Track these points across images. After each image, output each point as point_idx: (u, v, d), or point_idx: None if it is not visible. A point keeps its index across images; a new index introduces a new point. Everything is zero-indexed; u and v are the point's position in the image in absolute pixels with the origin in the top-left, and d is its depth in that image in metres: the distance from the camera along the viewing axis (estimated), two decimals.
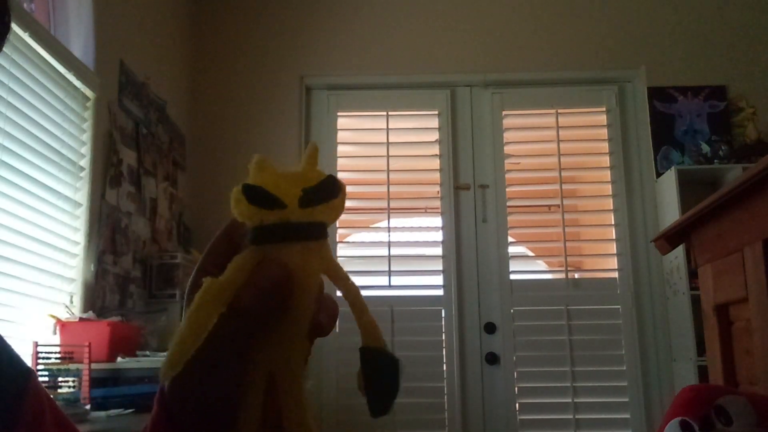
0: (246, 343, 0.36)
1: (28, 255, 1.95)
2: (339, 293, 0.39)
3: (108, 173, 2.38)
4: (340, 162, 3.31)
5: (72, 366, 1.77)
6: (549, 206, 3.37)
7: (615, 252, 3.20)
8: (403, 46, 3.39)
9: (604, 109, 3.34)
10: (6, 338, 0.48)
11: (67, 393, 1.72)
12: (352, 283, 0.38)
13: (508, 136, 3.31)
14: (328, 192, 0.37)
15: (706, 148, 3.09)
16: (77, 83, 2.22)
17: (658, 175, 3.15)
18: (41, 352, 1.74)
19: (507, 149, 3.30)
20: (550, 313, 3.12)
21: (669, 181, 3.00)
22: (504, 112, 3.34)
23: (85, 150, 2.28)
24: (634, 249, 3.19)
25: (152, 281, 2.67)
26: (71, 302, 2.15)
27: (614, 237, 3.21)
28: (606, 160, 3.28)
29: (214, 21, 3.45)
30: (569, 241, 3.21)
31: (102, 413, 1.71)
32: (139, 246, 2.62)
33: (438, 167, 3.28)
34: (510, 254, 3.22)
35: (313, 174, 0.37)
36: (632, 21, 3.37)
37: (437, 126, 3.33)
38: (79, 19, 2.33)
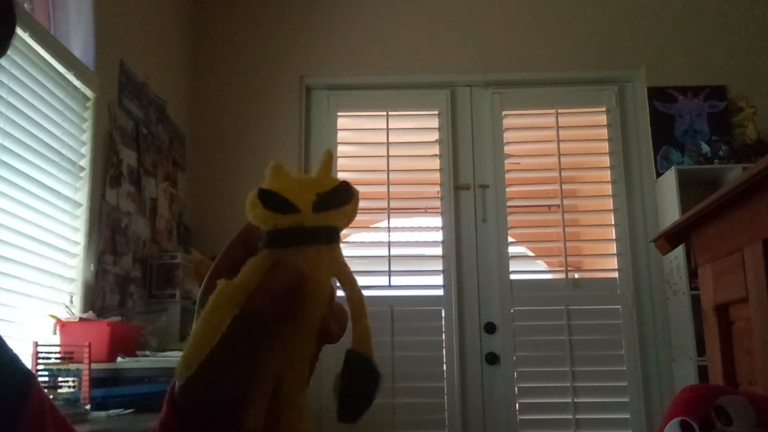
0: (258, 346, 0.37)
1: (28, 255, 1.95)
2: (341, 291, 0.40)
3: (108, 173, 2.38)
4: (340, 162, 3.31)
5: (72, 366, 1.78)
6: (549, 206, 3.37)
7: (615, 252, 3.20)
8: (403, 46, 3.39)
9: (604, 109, 3.34)
10: (6, 338, 0.48)
11: (67, 393, 1.72)
12: (358, 290, 0.39)
13: (508, 136, 3.31)
14: (342, 197, 0.38)
15: (706, 148, 3.09)
16: (77, 83, 2.22)
17: (658, 175, 3.15)
18: (41, 352, 1.74)
19: (507, 149, 3.30)
20: (550, 313, 3.12)
21: (669, 181, 3.00)
22: (504, 112, 3.34)
23: (85, 150, 2.28)
24: (634, 249, 3.19)
25: (152, 281, 2.67)
26: (71, 302, 2.15)
27: (614, 237, 3.21)
28: (606, 160, 3.28)
29: (214, 21, 3.45)
30: (569, 241, 3.21)
31: (102, 413, 1.71)
32: (139, 246, 2.62)
33: (438, 167, 3.28)
34: (510, 254, 3.22)
35: (328, 180, 0.38)
36: (632, 21, 3.37)
37: (437, 126, 3.33)
38: (79, 19, 2.33)
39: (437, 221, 3.27)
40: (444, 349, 3.12)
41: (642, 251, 3.19)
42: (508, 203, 3.25)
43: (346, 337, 0.39)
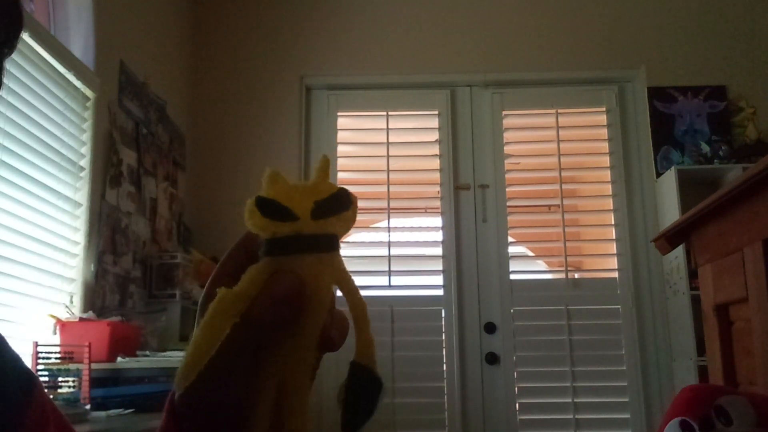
0: (258, 354, 0.37)
1: (28, 255, 1.95)
2: (340, 295, 0.40)
3: (108, 173, 2.38)
4: (340, 162, 3.31)
5: (72, 366, 1.78)
6: (549, 206, 3.37)
7: (615, 252, 3.20)
8: (403, 46, 3.39)
9: (604, 109, 3.34)
10: (6, 338, 0.48)
11: (67, 393, 1.72)
12: (361, 298, 0.39)
13: (508, 136, 3.31)
14: (340, 204, 0.37)
15: (706, 148, 3.09)
16: (77, 83, 2.22)
17: (658, 175, 3.15)
18: (41, 352, 1.74)
19: (507, 149, 3.30)
20: (550, 313, 3.12)
21: (669, 181, 3.00)
22: (504, 112, 3.34)
23: (85, 150, 2.28)
24: (634, 249, 3.19)
25: (152, 281, 2.67)
26: (71, 302, 2.15)
27: (614, 237, 3.21)
28: (606, 160, 3.28)
29: (214, 21, 3.45)
30: (569, 241, 3.21)
31: (102, 413, 1.71)
32: (139, 246, 2.62)
33: (438, 167, 3.28)
34: (510, 254, 3.22)
35: (325, 186, 0.38)
36: (632, 21, 3.37)
37: (437, 126, 3.33)
38: (79, 19, 2.33)
39: (437, 221, 3.27)
40: (444, 349, 3.12)
41: (642, 251, 3.19)
42: (508, 203, 3.25)
43: (347, 346, 0.39)
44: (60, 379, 1.75)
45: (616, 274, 3.19)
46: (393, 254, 3.20)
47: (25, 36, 1.92)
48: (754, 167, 1.27)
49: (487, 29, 3.40)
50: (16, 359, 0.47)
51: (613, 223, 3.22)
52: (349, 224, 0.38)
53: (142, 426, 1.60)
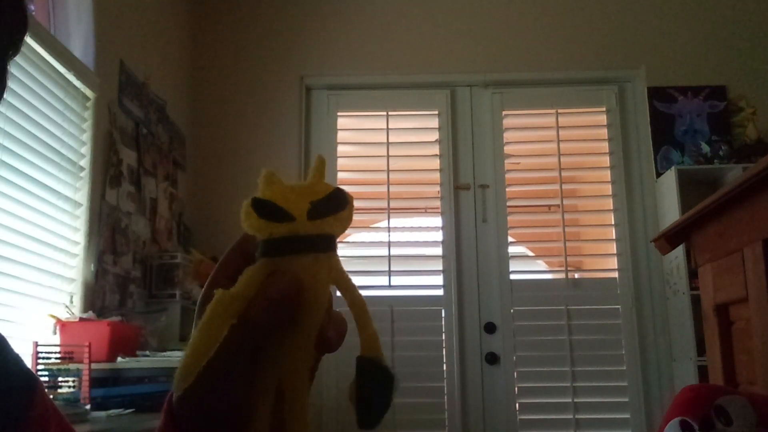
0: (256, 355, 0.36)
1: (28, 255, 1.95)
2: (340, 296, 0.40)
3: (108, 173, 2.38)
4: (340, 162, 3.31)
5: (72, 366, 1.78)
6: (549, 206, 3.37)
7: (615, 252, 3.20)
8: (403, 46, 3.39)
9: (604, 109, 3.34)
10: (7, 339, 0.48)
11: (67, 393, 1.72)
12: (359, 295, 0.39)
13: (508, 136, 3.31)
14: (336, 204, 0.37)
15: (706, 148, 3.09)
16: (77, 83, 2.22)
17: (658, 175, 3.15)
18: (41, 352, 1.74)
19: (507, 149, 3.30)
20: (550, 313, 3.12)
21: (669, 181, 3.00)
22: (504, 112, 3.34)
23: (85, 150, 2.28)
24: (634, 249, 3.19)
25: (152, 281, 2.67)
26: (71, 302, 2.15)
27: (614, 237, 3.21)
28: (606, 160, 3.28)
29: (214, 21, 3.45)
30: (569, 241, 3.21)
31: (102, 413, 1.71)
32: (139, 246, 2.62)
33: (438, 167, 3.28)
34: (510, 254, 3.22)
35: (321, 187, 0.38)
36: (632, 21, 3.37)
37: (437, 126, 3.33)
38: (79, 19, 2.33)
39: (437, 221, 3.27)
40: (444, 349, 3.12)
41: (642, 251, 3.19)
42: (508, 203, 3.25)
43: (347, 347, 0.39)
44: (60, 379, 1.75)
45: (616, 274, 3.18)
46: (393, 254, 3.19)
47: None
48: (754, 167, 1.27)
49: (487, 29, 3.40)
50: (17, 360, 0.47)
51: (613, 223, 3.22)
52: (345, 224, 0.38)
53: (142, 426, 1.60)
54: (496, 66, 3.37)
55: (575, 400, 3.01)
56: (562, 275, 3.21)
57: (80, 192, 2.24)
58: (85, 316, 2.09)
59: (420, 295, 3.23)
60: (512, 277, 3.18)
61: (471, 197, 3.27)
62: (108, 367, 1.95)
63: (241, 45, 3.42)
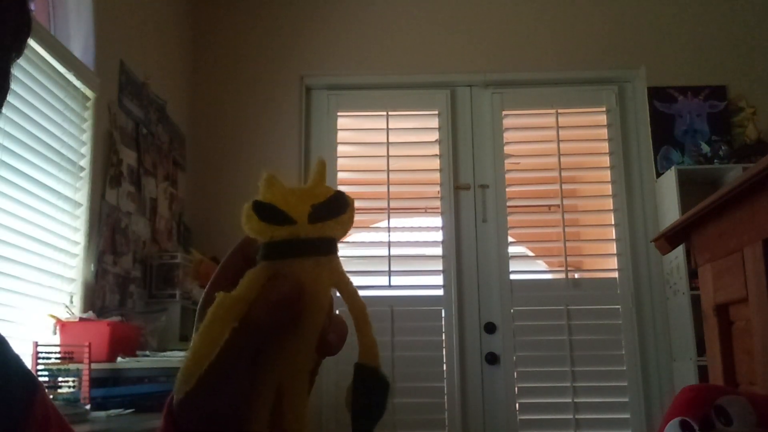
0: (257, 358, 0.36)
1: (28, 255, 1.95)
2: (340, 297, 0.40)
3: (108, 173, 2.38)
4: (340, 162, 3.31)
5: (72, 366, 1.78)
6: (549, 206, 3.37)
7: (615, 252, 3.20)
8: (403, 46, 3.39)
9: (604, 109, 3.34)
10: (7, 339, 0.48)
11: (67, 393, 1.72)
12: (360, 300, 0.39)
13: (508, 136, 3.31)
14: (337, 208, 0.38)
15: (706, 148, 3.09)
16: (77, 83, 2.22)
17: (658, 175, 3.15)
18: (41, 352, 1.74)
19: (507, 149, 3.30)
20: (550, 313, 3.12)
21: (669, 181, 3.00)
22: (504, 112, 3.34)
23: (85, 150, 2.28)
24: (634, 249, 3.19)
25: (152, 281, 2.67)
26: (71, 302, 2.15)
27: (614, 237, 3.21)
28: (606, 160, 3.28)
29: (214, 21, 3.45)
30: (569, 241, 3.21)
31: (102, 413, 1.71)
32: (139, 246, 2.62)
33: (438, 167, 3.28)
34: (510, 254, 3.22)
35: (322, 190, 0.38)
36: (632, 21, 3.37)
37: (437, 126, 3.33)
38: (79, 19, 2.33)
39: (437, 221, 3.27)
40: (444, 349, 3.12)
41: (642, 251, 3.19)
42: (508, 203, 3.25)
43: (347, 349, 0.39)
44: (60, 379, 1.75)
45: (616, 274, 3.18)
46: (393, 254, 3.19)
47: None
48: (754, 167, 1.27)
49: (487, 29, 3.40)
50: (17, 361, 0.47)
51: (613, 223, 3.22)
52: (346, 227, 0.38)
53: (142, 426, 1.60)
54: (496, 66, 3.37)
55: (575, 400, 3.02)
56: (562, 275, 3.21)
57: (80, 192, 2.24)
58: (85, 316, 2.09)
59: (420, 295, 3.23)
60: (512, 277, 3.18)
61: (471, 197, 3.27)
62: (108, 367, 1.95)
63: (241, 45, 3.42)
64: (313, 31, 3.41)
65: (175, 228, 3.01)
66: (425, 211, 3.46)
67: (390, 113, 3.33)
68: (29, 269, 1.95)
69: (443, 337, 3.13)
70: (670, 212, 2.96)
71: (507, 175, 3.27)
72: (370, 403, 0.37)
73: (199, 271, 2.82)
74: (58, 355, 1.80)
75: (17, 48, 0.45)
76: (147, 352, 2.13)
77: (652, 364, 3.08)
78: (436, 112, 3.35)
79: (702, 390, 1.31)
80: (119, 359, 1.98)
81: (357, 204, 0.39)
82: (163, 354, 2.13)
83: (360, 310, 0.38)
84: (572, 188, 3.46)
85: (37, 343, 1.74)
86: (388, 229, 3.24)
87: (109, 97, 2.43)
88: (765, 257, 1.32)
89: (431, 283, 3.23)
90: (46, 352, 1.76)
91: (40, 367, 1.72)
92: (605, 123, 3.32)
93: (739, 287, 1.44)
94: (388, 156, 3.27)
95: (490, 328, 3.14)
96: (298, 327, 0.37)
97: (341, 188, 0.39)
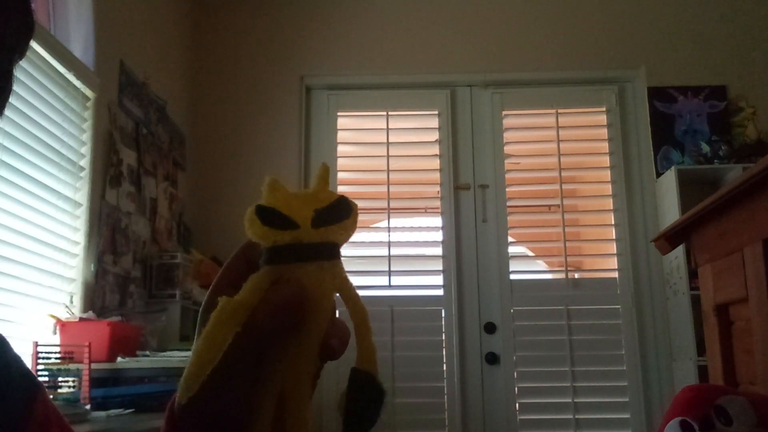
0: (260, 362, 0.36)
1: (28, 255, 1.95)
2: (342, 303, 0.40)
3: (108, 173, 2.38)
4: (340, 162, 3.31)
5: (72, 366, 1.77)
6: (549, 206, 3.37)
7: (615, 252, 3.20)
8: (403, 46, 3.39)
9: (604, 109, 3.34)
10: (7, 339, 0.48)
11: (67, 393, 1.72)
12: (362, 306, 0.39)
13: (508, 136, 3.31)
14: (340, 212, 0.38)
15: (706, 148, 3.09)
16: (77, 83, 2.22)
17: (658, 175, 3.15)
18: (41, 352, 1.74)
19: (507, 149, 3.30)
20: (550, 313, 3.12)
21: (669, 181, 3.00)
22: (504, 112, 3.34)
23: (85, 150, 2.28)
24: (634, 249, 3.19)
25: (152, 281, 2.67)
26: (71, 302, 2.15)
27: (614, 237, 3.21)
28: (606, 160, 3.28)
29: (214, 21, 3.45)
30: (569, 241, 3.21)
31: (102, 413, 1.71)
32: (139, 246, 2.62)
33: (438, 167, 3.28)
34: (510, 254, 3.22)
35: (325, 195, 0.38)
36: (632, 21, 3.37)
37: (437, 126, 3.33)
38: (79, 19, 2.33)
39: (437, 221, 3.27)
40: (444, 349, 3.12)
41: (642, 251, 3.19)
42: (508, 203, 3.25)
43: (349, 354, 0.39)
44: (60, 379, 1.75)
45: (616, 274, 3.19)
46: (393, 254, 3.20)
47: None
48: (754, 167, 1.27)
49: (487, 29, 3.40)
50: (18, 361, 0.47)
51: (613, 223, 3.22)
52: (349, 232, 0.38)
53: (142, 426, 1.60)
54: (496, 66, 3.37)
55: (575, 400, 3.02)
56: (562, 275, 3.21)
57: (80, 192, 2.24)
58: (85, 316, 2.09)
59: (420, 295, 3.23)
60: (512, 277, 3.18)
61: (471, 197, 3.27)
62: (108, 367, 1.95)
63: (241, 45, 3.42)
64: (313, 31, 3.41)
65: (175, 228, 3.01)
66: (425, 211, 3.47)
67: (390, 113, 3.33)
68: (29, 269, 1.95)
69: (443, 337, 3.13)
70: (670, 212, 2.96)
71: (507, 175, 3.27)
72: (363, 409, 0.37)
73: (199, 271, 2.82)
74: (58, 355, 1.79)
75: (20, 49, 0.45)
76: (147, 352, 2.13)
77: (652, 364, 3.08)
78: (436, 112, 3.35)
79: (702, 390, 1.31)
80: (119, 359, 1.98)
81: (357, 204, 0.39)
82: (163, 354, 2.13)
83: (361, 316, 0.38)
84: (572, 188, 3.46)
85: (37, 343, 1.74)
86: (388, 229, 3.24)
87: (109, 97, 2.43)
88: (765, 257, 1.32)
89: (431, 283, 3.23)
90: (46, 352, 1.76)
91: (40, 367, 1.72)
92: (605, 123, 3.32)
93: (739, 287, 1.44)
94: (388, 156, 3.27)
95: (490, 328, 3.14)
96: (301, 332, 0.37)
97: (341, 189, 0.39)
